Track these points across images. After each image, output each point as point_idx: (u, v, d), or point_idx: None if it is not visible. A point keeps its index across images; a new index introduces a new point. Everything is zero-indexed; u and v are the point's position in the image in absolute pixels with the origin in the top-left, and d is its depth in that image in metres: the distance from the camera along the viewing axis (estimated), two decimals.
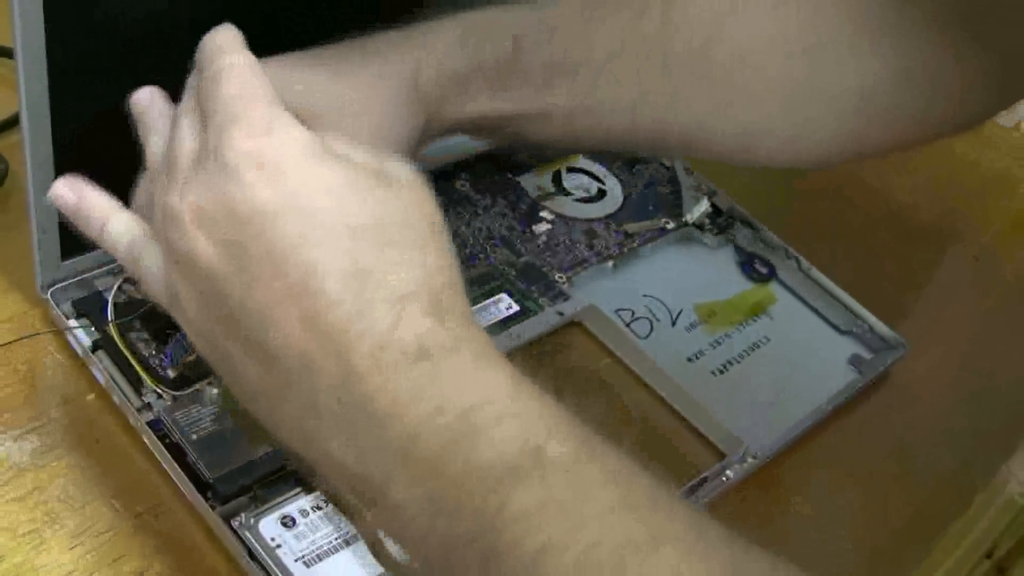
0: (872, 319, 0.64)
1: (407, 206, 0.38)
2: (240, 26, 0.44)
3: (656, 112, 0.52)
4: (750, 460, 0.56)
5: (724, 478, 0.55)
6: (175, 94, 0.44)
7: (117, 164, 0.51)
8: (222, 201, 0.36)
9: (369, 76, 0.48)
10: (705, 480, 0.55)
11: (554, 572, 0.33)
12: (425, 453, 0.34)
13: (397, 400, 0.35)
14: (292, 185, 0.36)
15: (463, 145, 0.68)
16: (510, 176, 0.68)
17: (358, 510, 0.38)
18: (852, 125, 0.52)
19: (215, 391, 0.52)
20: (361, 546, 0.48)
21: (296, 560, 0.47)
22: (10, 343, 0.54)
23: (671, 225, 0.68)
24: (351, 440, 0.35)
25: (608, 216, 0.67)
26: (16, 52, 0.49)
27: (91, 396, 0.53)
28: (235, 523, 0.48)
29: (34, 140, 0.51)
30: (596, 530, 0.33)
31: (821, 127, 0.52)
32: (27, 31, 0.48)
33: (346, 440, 0.35)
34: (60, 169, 0.52)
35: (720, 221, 0.69)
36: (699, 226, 0.68)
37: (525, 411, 0.35)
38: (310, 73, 0.48)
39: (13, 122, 0.64)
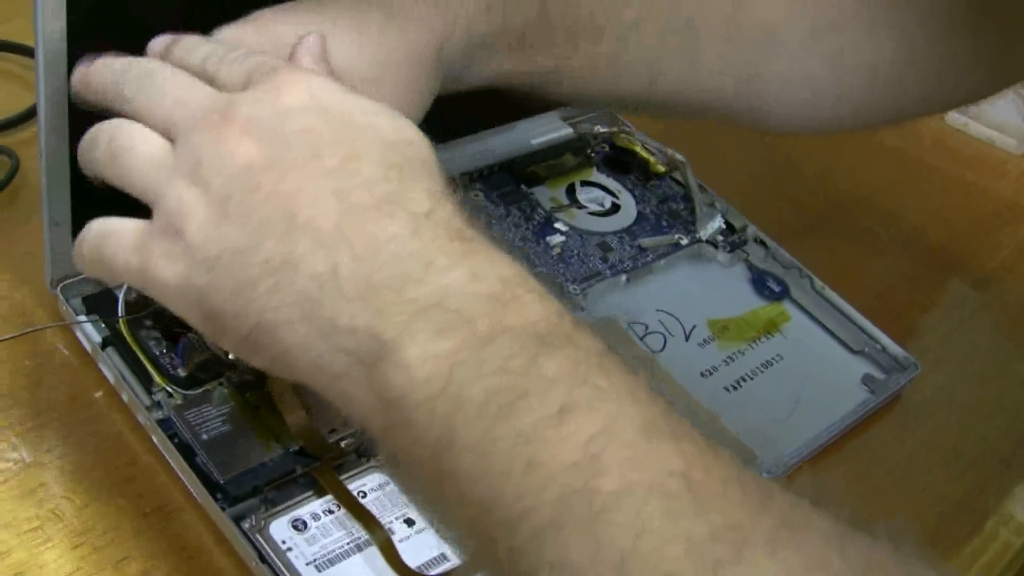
0: (885, 339, 0.64)
1: (420, 141, 0.39)
2: None
3: (675, 79, 0.53)
4: (764, 476, 0.55)
5: None
6: None
7: None
8: (273, 105, 0.38)
9: (390, 40, 0.48)
10: None
11: (576, 433, 0.32)
12: (457, 306, 0.34)
13: (432, 264, 0.35)
14: (337, 99, 0.39)
15: (478, 155, 0.68)
16: (523, 188, 0.68)
17: (343, 380, 0.36)
18: (861, 97, 0.53)
19: (226, 391, 0.51)
20: (373, 551, 0.47)
21: (307, 564, 0.46)
22: (17, 336, 0.53)
23: (685, 241, 0.67)
24: (368, 301, 0.35)
25: (622, 230, 0.67)
26: (37, 46, 0.48)
27: (99, 394, 0.52)
28: (245, 525, 0.47)
29: (50, 134, 0.50)
30: (620, 406, 0.33)
31: (833, 99, 0.54)
32: (49, 27, 0.48)
33: (362, 303, 0.35)
34: (75, 163, 0.51)
35: (733, 238, 0.68)
36: (712, 243, 0.68)
37: (555, 299, 0.36)
38: (331, 39, 0.46)
39: (23, 118, 0.64)
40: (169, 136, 0.40)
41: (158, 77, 0.41)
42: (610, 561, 0.30)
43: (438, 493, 0.34)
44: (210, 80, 0.41)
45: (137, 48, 0.51)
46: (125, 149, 0.40)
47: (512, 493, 0.32)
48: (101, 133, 0.41)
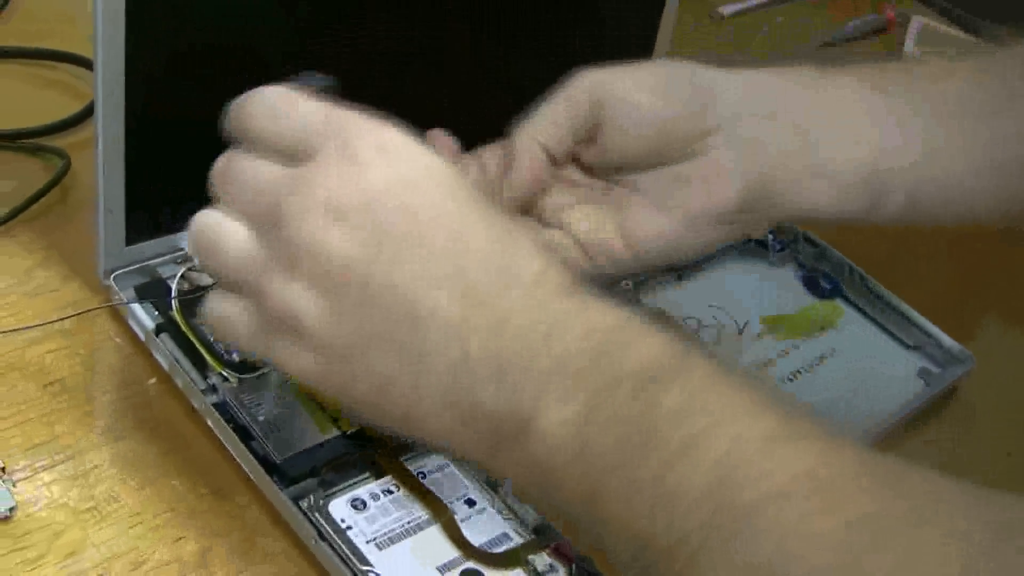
0: (939, 334, 0.63)
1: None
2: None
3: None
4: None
5: None
6: None
7: (185, 154, 0.50)
8: (356, 187, 0.37)
9: None
10: None
11: (703, 460, 0.33)
12: (576, 368, 0.36)
13: (551, 330, 0.36)
14: (418, 164, 0.38)
15: None
16: None
17: (495, 457, 0.38)
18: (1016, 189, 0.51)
19: (281, 376, 0.51)
20: (434, 531, 0.46)
21: (368, 542, 0.45)
22: (72, 317, 0.53)
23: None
24: (502, 381, 0.36)
25: None
26: (96, 50, 0.48)
27: (152, 380, 0.52)
28: (304, 504, 0.46)
29: (107, 119, 0.50)
30: (738, 425, 0.34)
31: (991, 189, 0.52)
32: (108, 37, 0.48)
33: (497, 384, 0.36)
34: (129, 149, 0.51)
35: (783, 238, 0.68)
36: (762, 243, 0.67)
37: (663, 332, 0.37)
38: None
39: (74, 121, 0.64)
40: (253, 225, 0.39)
41: (233, 168, 0.40)
42: (761, 569, 0.32)
43: (601, 537, 0.36)
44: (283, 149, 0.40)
45: (195, 56, 0.52)
46: (212, 247, 0.40)
47: (662, 527, 0.34)
48: (190, 229, 0.41)
